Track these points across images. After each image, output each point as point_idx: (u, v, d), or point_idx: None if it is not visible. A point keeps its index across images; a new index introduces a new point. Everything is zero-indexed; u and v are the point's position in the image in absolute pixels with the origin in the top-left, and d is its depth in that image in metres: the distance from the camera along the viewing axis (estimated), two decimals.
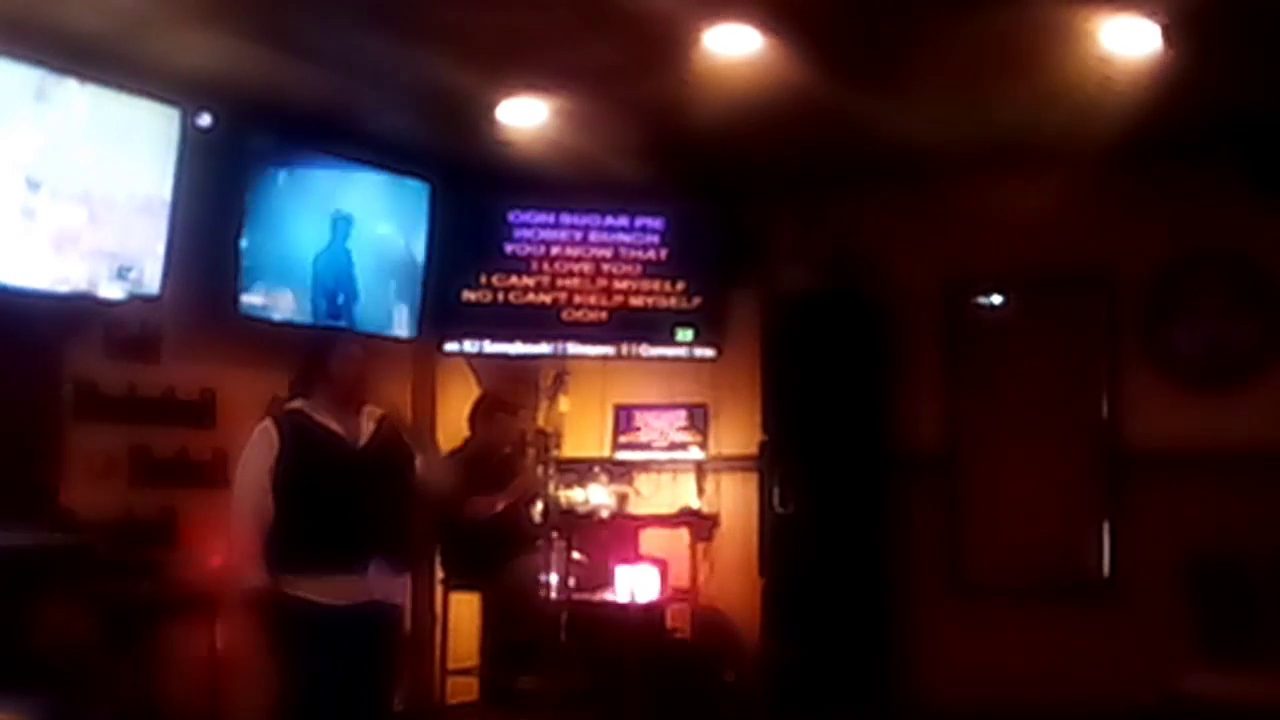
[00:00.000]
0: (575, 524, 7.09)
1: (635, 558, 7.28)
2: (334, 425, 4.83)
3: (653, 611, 7.16)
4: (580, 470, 7.51)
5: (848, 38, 5.43)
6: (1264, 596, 6.43)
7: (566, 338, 7.53)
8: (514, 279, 7.49)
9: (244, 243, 6.29)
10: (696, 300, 7.63)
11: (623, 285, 7.59)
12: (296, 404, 4.91)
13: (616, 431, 7.90)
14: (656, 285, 7.61)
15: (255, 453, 4.76)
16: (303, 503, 4.68)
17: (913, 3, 5.13)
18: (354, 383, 4.90)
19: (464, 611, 6.85)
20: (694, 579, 7.59)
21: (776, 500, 7.38)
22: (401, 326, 7.10)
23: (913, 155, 6.79)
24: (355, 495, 4.74)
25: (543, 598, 6.40)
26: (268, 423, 4.82)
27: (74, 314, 5.63)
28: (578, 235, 7.56)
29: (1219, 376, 6.97)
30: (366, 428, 4.89)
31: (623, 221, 7.61)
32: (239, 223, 6.26)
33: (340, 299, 6.76)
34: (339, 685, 4.64)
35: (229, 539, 4.83)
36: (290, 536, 4.66)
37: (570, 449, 7.50)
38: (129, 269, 5.73)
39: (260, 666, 4.87)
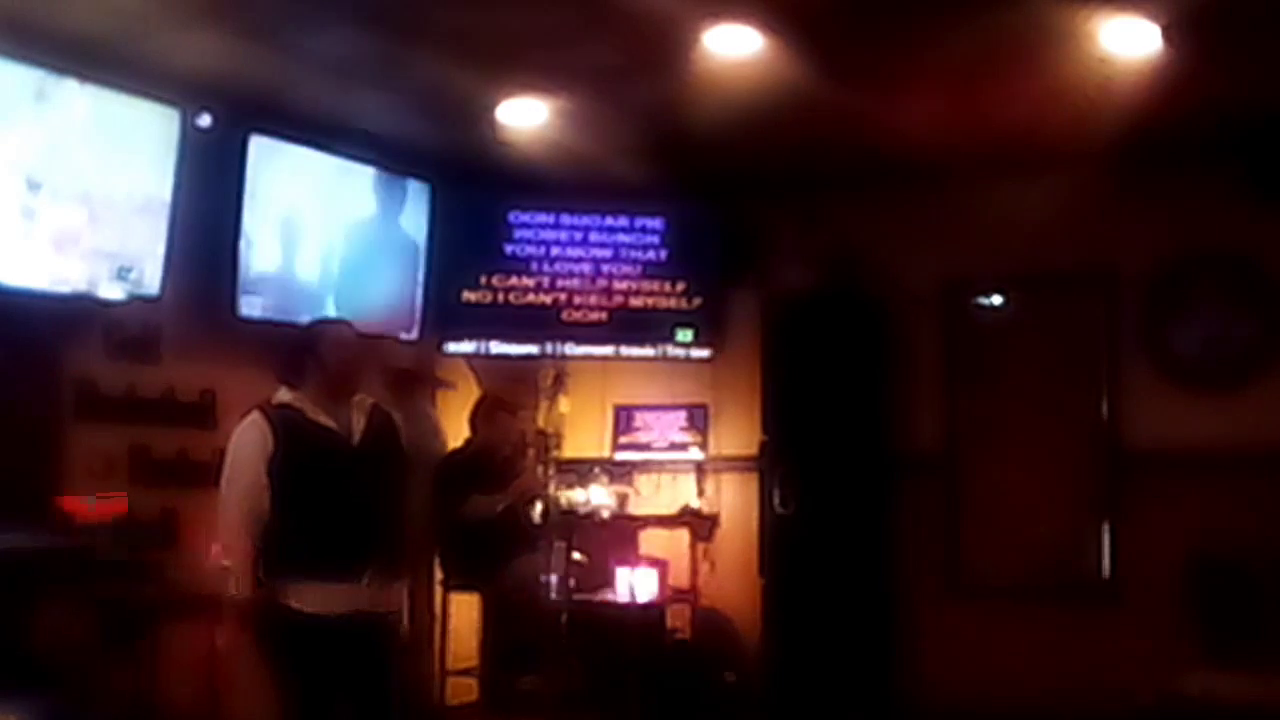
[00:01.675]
0: (575, 524, 7.09)
1: (635, 558, 7.29)
2: (327, 421, 4.58)
3: (652, 611, 7.16)
4: (580, 470, 7.51)
5: (848, 38, 5.43)
6: (1264, 597, 6.44)
7: (566, 338, 7.53)
8: (514, 279, 7.49)
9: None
10: (696, 300, 7.63)
11: (623, 286, 7.59)
12: (285, 396, 4.64)
13: (616, 432, 7.90)
14: (656, 285, 7.61)
15: (248, 447, 4.53)
16: (296, 507, 4.46)
17: (913, 3, 5.13)
18: (348, 371, 4.66)
19: (464, 612, 6.85)
20: (694, 579, 7.59)
21: (776, 500, 7.38)
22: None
23: (913, 155, 6.79)
24: (351, 499, 4.52)
25: (543, 598, 6.41)
26: (256, 415, 4.56)
27: (74, 314, 5.63)
28: (578, 236, 7.56)
29: (1219, 376, 6.97)
30: (358, 421, 4.65)
31: (623, 222, 7.61)
32: (237, 222, 6.26)
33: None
34: (338, 699, 4.49)
35: (220, 543, 4.61)
36: (283, 543, 4.45)
37: (570, 449, 7.51)
38: (129, 269, 5.72)
39: (258, 668, 4.79)
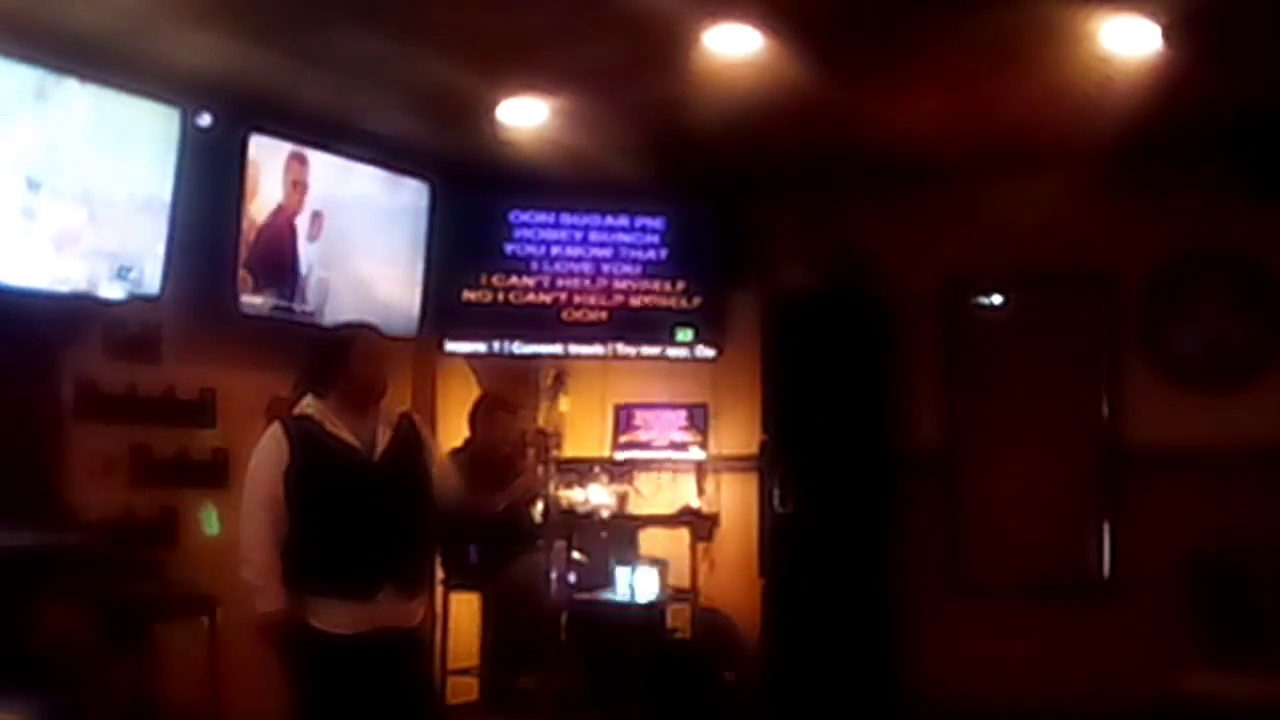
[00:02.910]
0: (575, 524, 7.09)
1: (635, 558, 7.29)
2: (348, 436, 4.47)
3: (653, 611, 7.16)
4: (580, 470, 7.51)
5: (848, 38, 5.43)
6: (1264, 596, 6.44)
7: (566, 338, 7.53)
8: (514, 279, 7.50)
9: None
10: (696, 300, 7.64)
11: (623, 285, 7.60)
12: (307, 408, 4.53)
13: (616, 431, 7.90)
14: (656, 285, 7.62)
15: (266, 461, 4.43)
16: (311, 523, 4.37)
17: (913, 3, 5.13)
18: (374, 380, 4.55)
19: (464, 611, 6.84)
20: (694, 579, 7.59)
21: (776, 500, 7.38)
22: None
23: (913, 155, 6.79)
24: (367, 518, 4.41)
25: (543, 598, 6.40)
26: (277, 428, 4.47)
27: (74, 314, 5.63)
28: (578, 235, 7.57)
29: (1219, 376, 6.98)
30: (383, 435, 4.53)
31: (623, 221, 7.62)
32: (238, 221, 6.26)
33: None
34: (356, 717, 4.39)
35: (241, 555, 4.44)
36: (298, 559, 4.36)
37: (570, 449, 7.52)
38: (129, 269, 5.73)
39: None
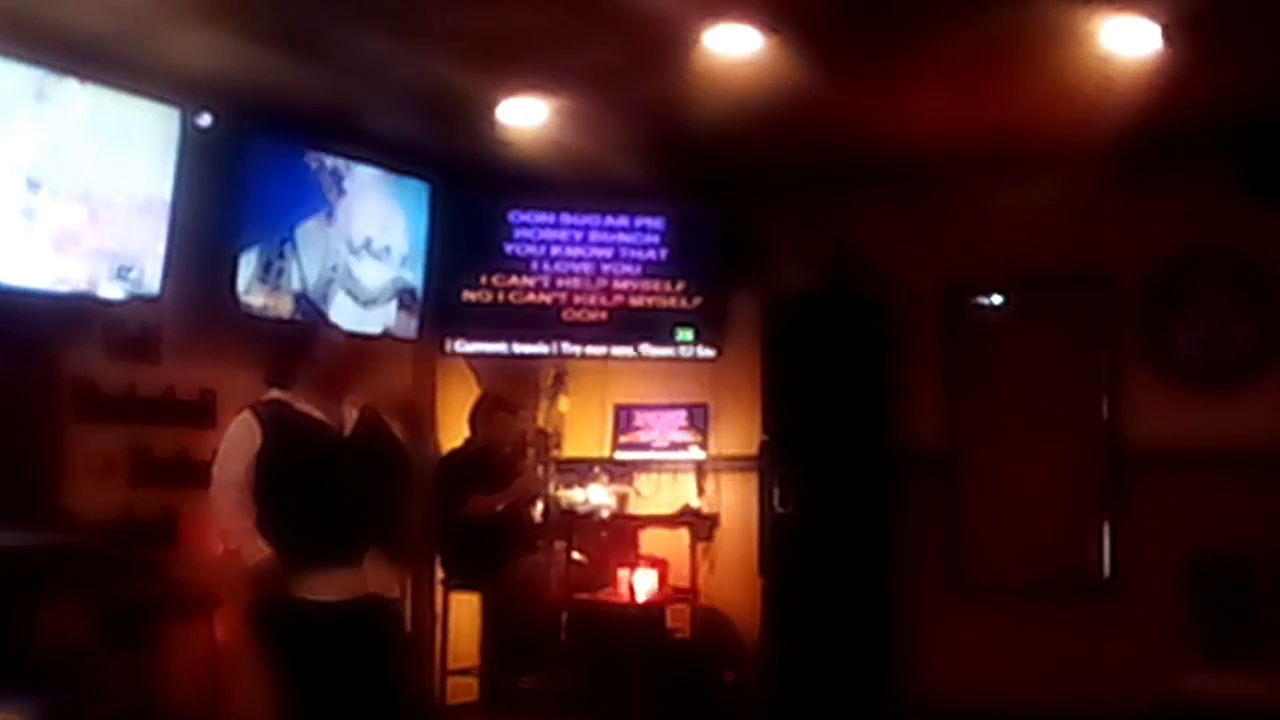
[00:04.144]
0: (575, 524, 7.10)
1: (635, 558, 7.30)
2: (317, 414, 4.68)
3: (653, 611, 7.16)
4: (580, 470, 7.52)
5: (848, 38, 5.43)
6: (1264, 596, 6.43)
7: (566, 338, 7.53)
8: (514, 279, 7.49)
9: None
10: (696, 300, 7.64)
11: (623, 285, 7.59)
12: (275, 394, 4.75)
13: (616, 431, 7.90)
14: (656, 285, 7.62)
15: (236, 445, 4.61)
16: (292, 495, 4.51)
17: (913, 3, 5.13)
18: (340, 373, 4.75)
19: (464, 611, 6.85)
20: (694, 579, 7.59)
21: (776, 500, 7.38)
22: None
23: (913, 155, 6.79)
24: (346, 484, 4.58)
25: (543, 597, 6.41)
26: (247, 414, 4.66)
27: (74, 314, 5.63)
28: (578, 235, 7.57)
29: (1219, 376, 6.97)
30: (350, 415, 4.75)
31: (623, 222, 7.62)
32: (238, 221, 6.26)
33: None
34: (340, 688, 4.49)
35: (220, 527, 4.72)
36: (280, 531, 4.49)
37: (570, 449, 7.53)
38: (129, 269, 5.72)
39: (259, 661, 4.79)
